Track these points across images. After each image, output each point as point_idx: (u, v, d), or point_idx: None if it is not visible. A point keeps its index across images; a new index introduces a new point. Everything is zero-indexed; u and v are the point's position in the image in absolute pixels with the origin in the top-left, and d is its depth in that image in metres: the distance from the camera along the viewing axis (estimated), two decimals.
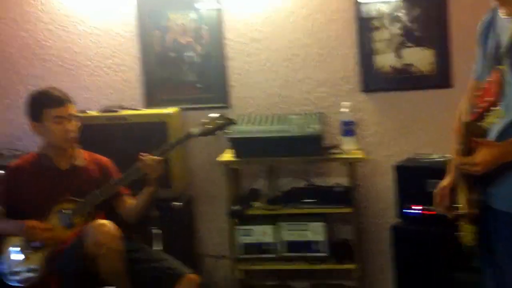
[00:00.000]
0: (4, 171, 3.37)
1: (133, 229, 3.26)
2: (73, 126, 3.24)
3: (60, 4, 4.28)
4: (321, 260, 3.87)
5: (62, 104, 3.20)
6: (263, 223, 3.91)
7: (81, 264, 2.95)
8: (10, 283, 3.14)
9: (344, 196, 3.82)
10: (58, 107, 3.19)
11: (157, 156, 3.18)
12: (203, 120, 3.29)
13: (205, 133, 3.27)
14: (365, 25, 3.97)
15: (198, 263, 4.16)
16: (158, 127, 3.85)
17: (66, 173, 3.26)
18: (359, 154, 3.86)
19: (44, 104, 3.20)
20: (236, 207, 3.86)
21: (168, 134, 3.81)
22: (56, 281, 3.04)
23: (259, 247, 3.91)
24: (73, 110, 3.26)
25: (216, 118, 3.29)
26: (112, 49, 4.26)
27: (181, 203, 3.92)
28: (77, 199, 3.19)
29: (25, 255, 3.13)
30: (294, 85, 4.11)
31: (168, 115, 3.95)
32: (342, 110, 3.90)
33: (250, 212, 3.89)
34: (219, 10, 4.11)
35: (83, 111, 3.90)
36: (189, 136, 3.30)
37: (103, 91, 4.28)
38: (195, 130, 3.27)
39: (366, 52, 3.99)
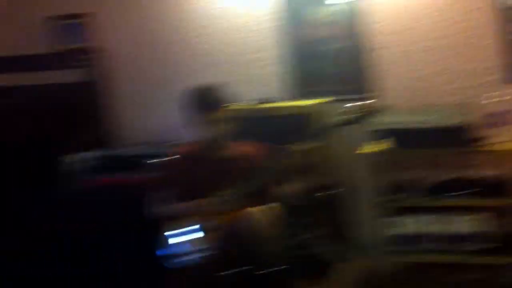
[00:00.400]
0: (163, 159, 3.55)
1: (284, 216, 3.31)
2: (227, 128, 3.31)
3: (213, 2, 4.48)
4: (478, 253, 3.81)
5: (219, 108, 3.28)
6: (415, 215, 3.90)
7: (237, 249, 3.09)
8: (172, 266, 3.24)
9: (498, 188, 3.77)
10: (215, 111, 3.26)
11: (302, 146, 3.24)
12: (346, 109, 3.25)
13: (349, 122, 3.24)
14: (509, 14, 3.90)
15: (347, 252, 4.14)
16: (305, 118, 3.93)
17: (220, 162, 3.35)
18: (509, 146, 3.78)
19: (203, 105, 3.28)
20: (386, 198, 3.88)
21: (314, 126, 3.85)
22: (214, 265, 3.18)
23: (410, 239, 3.91)
24: (228, 111, 3.32)
25: (359, 107, 3.24)
26: (260, 43, 4.42)
27: (331, 193, 3.97)
28: (231, 187, 3.27)
29: (190, 238, 3.21)
30: (435, 76, 4.09)
31: (314, 106, 4.04)
32: (488, 101, 3.84)
33: (401, 203, 3.89)
34: (359, 3, 4.17)
35: (234, 103, 4.03)
36: (332, 125, 3.30)
37: (252, 84, 4.43)
38: (339, 119, 3.25)
39: (510, 42, 3.92)
